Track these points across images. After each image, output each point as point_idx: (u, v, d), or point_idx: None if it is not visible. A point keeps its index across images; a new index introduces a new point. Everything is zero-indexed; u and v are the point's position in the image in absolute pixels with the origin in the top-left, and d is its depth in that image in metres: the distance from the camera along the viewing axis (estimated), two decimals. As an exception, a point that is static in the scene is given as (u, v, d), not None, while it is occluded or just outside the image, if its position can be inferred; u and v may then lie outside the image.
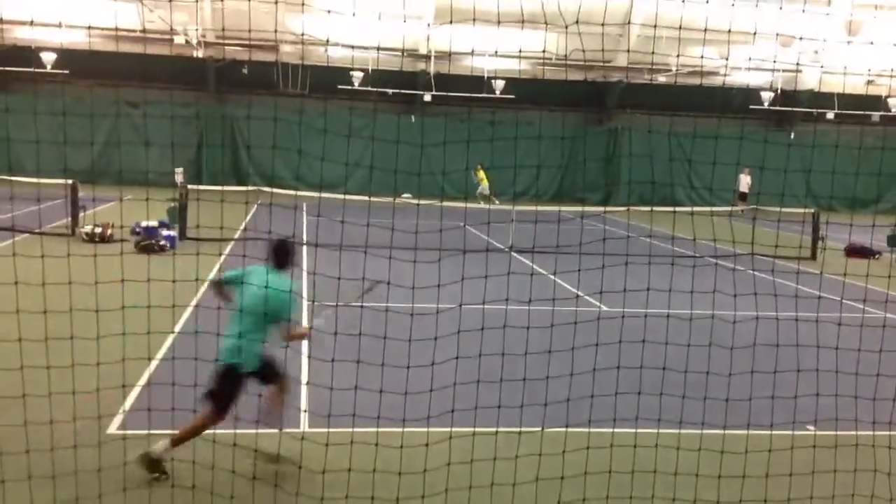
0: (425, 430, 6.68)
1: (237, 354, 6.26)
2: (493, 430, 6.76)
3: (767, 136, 36.67)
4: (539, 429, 6.85)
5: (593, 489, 6.15)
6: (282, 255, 6.59)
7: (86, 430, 6.39)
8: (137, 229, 18.07)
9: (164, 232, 18.10)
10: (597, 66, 34.34)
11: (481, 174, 33.13)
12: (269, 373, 6.52)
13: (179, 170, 28.42)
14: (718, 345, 7.10)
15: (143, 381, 8.29)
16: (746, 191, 32.34)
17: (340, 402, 6.87)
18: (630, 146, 36.57)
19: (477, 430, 6.77)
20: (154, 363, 8.90)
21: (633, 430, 6.62)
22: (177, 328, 10.14)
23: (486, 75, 34.26)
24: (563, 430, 6.84)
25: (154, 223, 18.08)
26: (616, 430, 6.75)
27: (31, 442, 5.80)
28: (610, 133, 38.62)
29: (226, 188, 24.13)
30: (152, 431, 6.40)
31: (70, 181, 19.55)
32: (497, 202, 30.18)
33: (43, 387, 5.92)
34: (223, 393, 6.25)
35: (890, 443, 6.72)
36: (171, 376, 6.24)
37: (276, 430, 6.41)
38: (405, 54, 34.51)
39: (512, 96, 33.92)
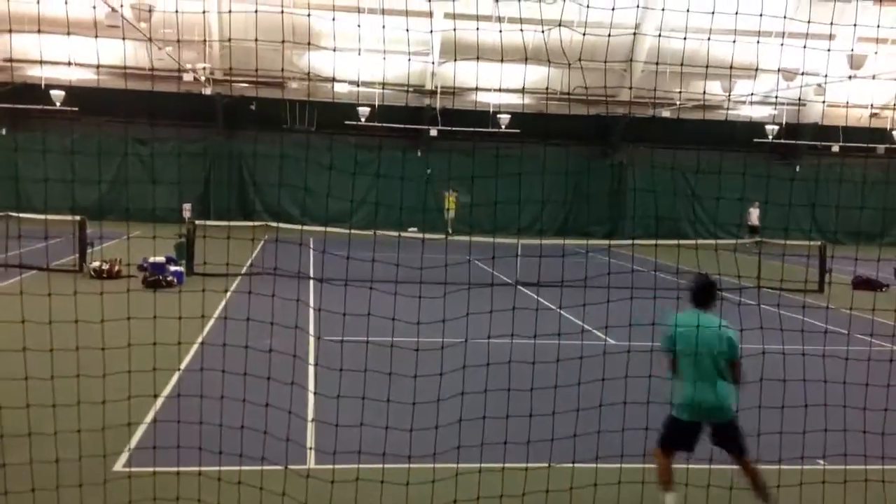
0: (431, 466, 6.65)
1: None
2: (500, 465, 6.72)
3: (772, 169, 36.85)
4: (546, 465, 6.81)
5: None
6: (707, 294, 6.48)
7: (91, 468, 6.37)
8: (145, 265, 18.13)
9: (172, 268, 18.15)
10: (601, 100, 34.55)
11: (451, 199, 33.39)
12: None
13: (187, 206, 28.64)
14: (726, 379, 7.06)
15: (149, 418, 8.28)
16: (757, 223, 32.39)
17: (346, 438, 6.85)
18: (635, 180, 36.69)
19: (483, 466, 6.74)
20: (160, 400, 8.91)
21: (642, 466, 6.58)
22: (183, 365, 10.14)
23: (491, 110, 34.49)
24: (571, 465, 6.81)
25: (161, 259, 18.14)
26: (624, 465, 6.72)
27: (36, 480, 5.79)
28: (615, 167, 38.76)
29: (233, 224, 24.25)
30: (157, 469, 6.38)
31: (78, 218, 19.66)
32: (450, 232, 30.45)
33: (49, 425, 5.92)
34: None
35: (900, 477, 6.67)
36: (178, 414, 6.24)
37: (280, 468, 6.39)
38: (411, 90, 34.80)
39: (517, 131, 34.14)
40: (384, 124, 33.84)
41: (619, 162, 38.74)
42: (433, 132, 35.54)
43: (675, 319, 6.34)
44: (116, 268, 18.06)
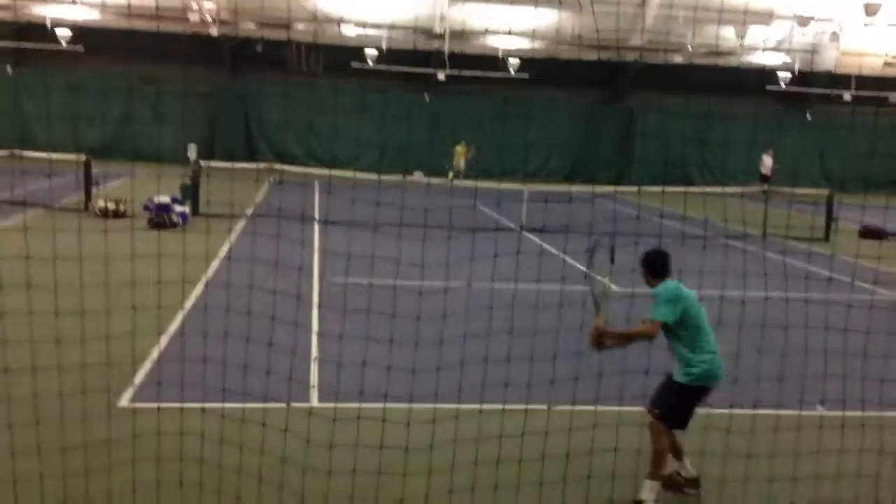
0: (433, 406, 6.72)
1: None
2: (500, 407, 6.78)
3: (784, 117, 36.49)
4: (546, 406, 6.87)
5: (600, 466, 6.17)
6: (667, 264, 6.23)
7: (96, 402, 6.45)
8: (150, 205, 18.14)
9: (177, 208, 18.16)
10: (612, 45, 34.10)
11: (459, 149, 33.22)
12: None
13: (192, 146, 28.53)
14: (728, 325, 7.09)
15: (154, 355, 8.36)
16: (769, 173, 32.13)
17: (348, 378, 6.91)
18: (645, 126, 36.39)
19: (484, 407, 6.81)
20: (165, 338, 8.99)
21: (641, 408, 6.64)
22: (188, 304, 10.20)
23: (500, 54, 34.10)
24: (570, 408, 6.86)
25: (167, 199, 18.14)
26: (623, 408, 6.77)
27: (40, 413, 5.86)
28: (624, 113, 38.39)
29: (238, 165, 24.19)
30: (161, 405, 6.46)
31: (83, 157, 19.64)
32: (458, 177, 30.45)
33: (53, 359, 5.97)
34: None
35: (898, 424, 6.72)
36: (182, 351, 6.29)
37: (283, 405, 6.45)
38: (419, 33, 34.38)
39: (526, 76, 33.77)
40: (392, 67, 33.51)
41: (629, 108, 38.37)
42: (441, 76, 35.18)
43: (681, 290, 6.04)
44: (122, 207, 18.08)
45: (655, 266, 6.18)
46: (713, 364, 5.95)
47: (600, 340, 6.13)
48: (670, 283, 6.07)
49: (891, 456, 6.38)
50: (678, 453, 6.21)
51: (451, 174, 31.21)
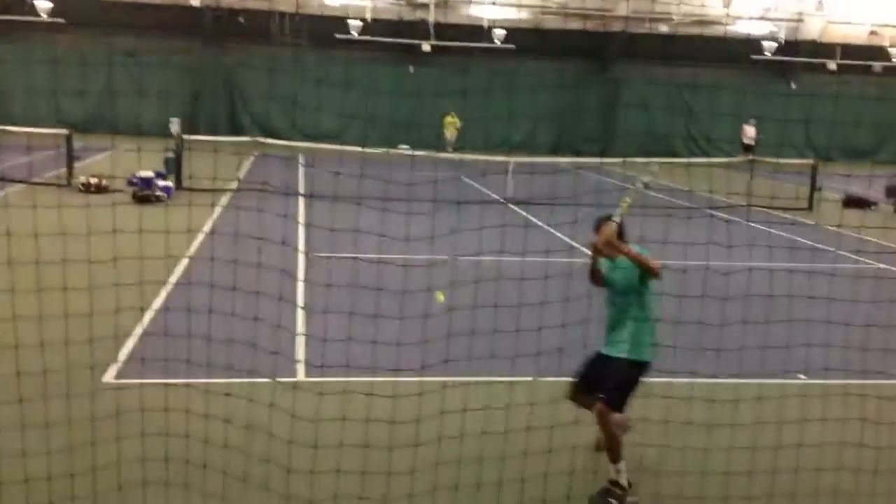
0: (419, 379, 6.73)
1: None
2: (487, 379, 6.80)
3: (769, 86, 36.49)
4: (531, 378, 6.89)
5: (585, 437, 6.21)
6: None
7: (79, 379, 6.42)
8: (134, 180, 18.01)
9: (161, 182, 18.04)
10: (597, 14, 33.95)
11: (449, 120, 33.25)
12: None
13: (175, 120, 28.30)
14: (711, 295, 7.12)
15: (137, 331, 8.33)
16: (752, 143, 32.16)
17: (334, 352, 6.90)
18: (631, 97, 36.33)
19: (470, 379, 6.83)
20: (149, 313, 8.95)
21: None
22: (172, 279, 10.16)
23: (486, 24, 33.88)
24: (556, 379, 6.89)
25: (150, 174, 18.02)
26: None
27: (23, 390, 5.84)
28: (610, 84, 38.28)
29: (222, 139, 24.02)
30: (145, 381, 6.44)
31: (64, 131, 19.45)
32: (450, 149, 30.46)
33: (35, 336, 5.93)
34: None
35: (879, 392, 6.77)
36: (165, 327, 6.26)
37: (269, 380, 6.45)
38: (403, 3, 34.12)
39: (512, 46, 33.57)
40: (376, 38, 33.26)
41: (614, 79, 38.25)
42: (426, 47, 34.94)
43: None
44: (105, 182, 17.94)
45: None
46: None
47: (606, 249, 5.67)
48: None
49: (872, 424, 6.44)
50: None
51: (448, 146, 31.36)
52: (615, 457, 5.71)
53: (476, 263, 7.01)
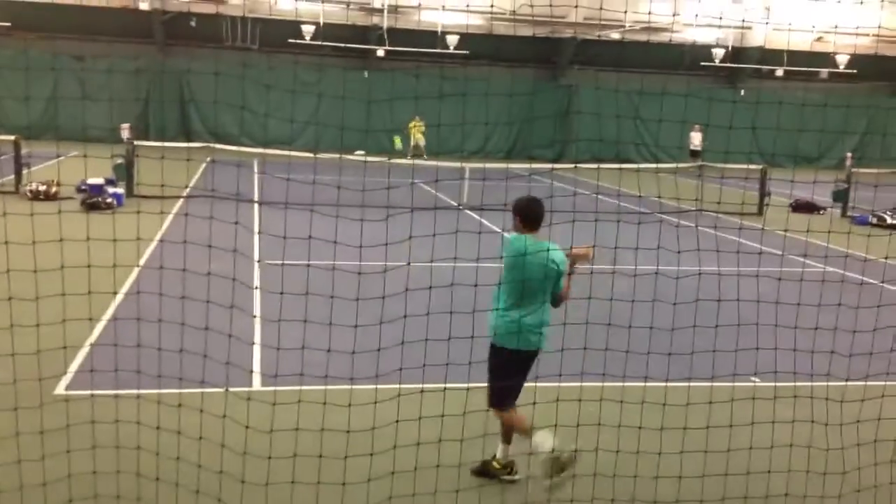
0: (374, 387, 6.71)
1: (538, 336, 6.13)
2: (441, 386, 6.80)
3: (717, 93, 37.07)
4: (487, 385, 6.91)
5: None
6: (534, 216, 6.23)
7: (28, 391, 6.30)
8: (83, 186, 17.74)
9: (111, 189, 17.80)
10: (549, 21, 34.23)
11: (413, 125, 33.18)
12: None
13: (126, 125, 27.92)
14: (661, 300, 7.21)
15: (87, 342, 8.20)
16: (699, 148, 32.65)
17: (289, 361, 6.86)
18: (583, 103, 36.66)
19: (425, 386, 6.82)
20: (100, 324, 8.82)
21: (579, 385, 6.72)
22: (123, 288, 10.02)
23: (439, 30, 33.97)
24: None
25: (100, 180, 17.76)
26: (561, 384, 6.84)
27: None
28: (564, 90, 38.61)
29: (173, 144, 23.74)
30: (95, 392, 6.34)
31: (12, 137, 19.08)
32: (420, 156, 30.37)
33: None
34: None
35: (827, 394, 6.91)
36: (116, 337, 6.17)
37: (221, 390, 6.39)
38: (356, 8, 34.05)
39: (466, 52, 33.69)
40: (329, 43, 33.15)
41: (567, 85, 38.59)
42: (380, 52, 34.93)
43: (509, 238, 6.20)
44: (54, 189, 17.64)
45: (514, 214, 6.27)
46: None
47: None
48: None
49: (820, 426, 6.57)
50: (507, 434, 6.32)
51: (408, 152, 31.15)
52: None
53: (430, 269, 7.02)
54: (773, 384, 6.96)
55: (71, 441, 5.67)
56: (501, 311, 6.19)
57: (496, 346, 6.23)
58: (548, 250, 6.09)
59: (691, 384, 6.93)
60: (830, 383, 7.13)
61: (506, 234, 5.96)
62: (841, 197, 22.09)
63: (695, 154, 32.22)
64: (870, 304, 6.31)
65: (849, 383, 7.44)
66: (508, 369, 6.24)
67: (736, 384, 7.18)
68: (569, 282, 6.34)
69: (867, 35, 36.22)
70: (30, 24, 30.58)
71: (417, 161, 24.00)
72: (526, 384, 6.56)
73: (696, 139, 33.16)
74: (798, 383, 7.00)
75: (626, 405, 6.59)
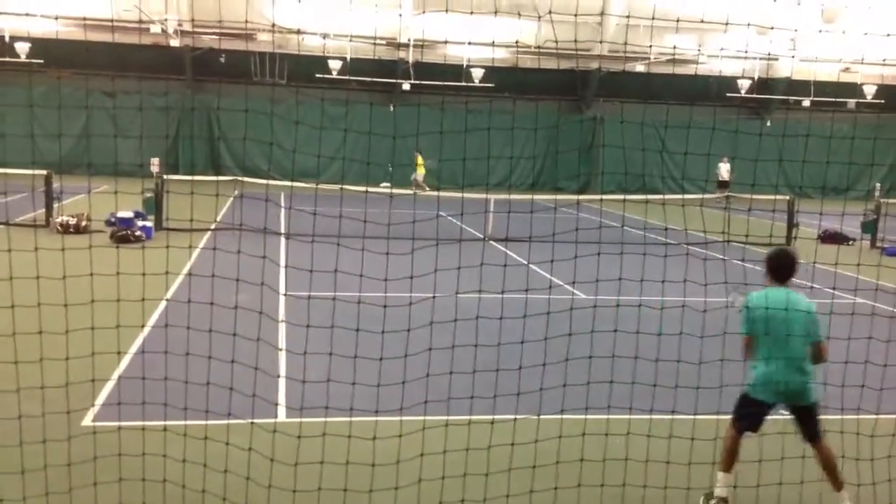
0: (399, 419, 6.70)
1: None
2: (467, 419, 6.78)
3: (744, 124, 36.97)
4: (512, 417, 6.87)
5: (565, 478, 6.19)
6: (787, 269, 6.22)
7: (56, 424, 6.35)
8: (113, 220, 17.95)
9: (140, 222, 18.00)
10: (574, 54, 34.36)
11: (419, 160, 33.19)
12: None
13: (155, 160, 28.31)
14: (689, 333, 7.15)
15: (115, 375, 8.26)
16: (727, 179, 32.50)
17: (314, 394, 6.87)
18: (608, 135, 36.67)
19: (450, 419, 6.80)
20: (128, 357, 8.88)
21: (605, 418, 6.67)
22: (151, 321, 10.09)
23: (465, 64, 34.20)
24: (536, 418, 6.88)
25: (130, 214, 17.97)
26: (588, 417, 6.80)
27: (0, 436, 5.77)
28: (589, 122, 38.68)
29: (202, 178, 24.01)
30: (122, 424, 6.37)
31: (42, 172, 19.38)
32: (426, 189, 30.27)
33: (11, 382, 5.86)
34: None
35: (858, 428, 6.80)
36: (144, 370, 6.21)
37: (247, 422, 6.40)
38: (383, 43, 34.40)
39: (491, 85, 33.88)
40: (356, 78, 33.46)
41: (592, 117, 38.67)
42: (406, 86, 35.20)
43: (756, 299, 6.13)
44: (84, 223, 17.86)
45: (765, 266, 6.29)
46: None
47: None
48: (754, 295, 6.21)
49: (851, 461, 6.46)
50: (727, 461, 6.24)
51: (421, 185, 31.22)
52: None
53: (455, 301, 7.03)
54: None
55: (98, 473, 5.70)
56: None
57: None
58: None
59: (720, 417, 6.84)
60: (861, 417, 7.01)
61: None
62: (870, 228, 21.85)
63: (723, 185, 32.06)
64: (810, 307, 6.24)
65: (880, 417, 7.32)
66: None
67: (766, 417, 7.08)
68: None
69: (894, 65, 36.07)
70: (62, 60, 31.11)
71: (430, 193, 24.05)
72: (550, 417, 6.55)
73: (723, 170, 33.02)
74: (829, 416, 6.90)
75: (654, 439, 6.52)
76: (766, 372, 6.04)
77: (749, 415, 6.18)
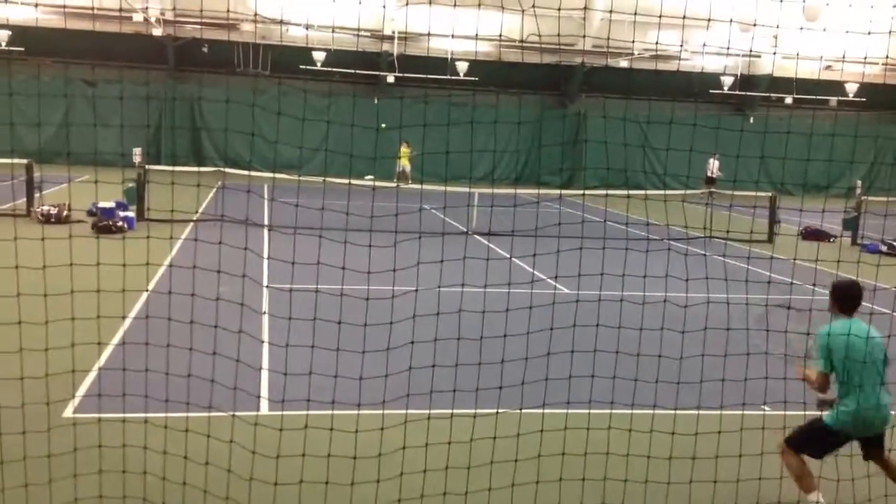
0: (381, 412, 6.70)
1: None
2: (448, 412, 6.78)
3: (726, 120, 37.14)
4: (494, 411, 6.89)
5: (547, 471, 6.21)
6: (854, 299, 6.16)
7: (36, 415, 6.31)
8: (94, 210, 17.84)
9: (122, 213, 17.89)
10: (558, 49, 34.40)
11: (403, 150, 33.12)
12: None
13: (138, 150, 28.10)
14: (670, 328, 7.19)
15: (95, 366, 8.21)
16: (715, 175, 32.63)
17: (296, 386, 6.86)
18: (592, 130, 36.73)
19: (432, 412, 6.80)
20: (109, 348, 8.83)
21: (587, 412, 6.70)
22: (133, 312, 10.03)
23: (449, 57, 34.15)
24: (518, 412, 6.89)
25: (111, 204, 17.86)
26: (570, 411, 6.82)
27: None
28: (573, 117, 38.73)
29: (184, 169, 23.88)
30: (103, 416, 6.34)
31: (22, 161, 19.22)
32: (409, 182, 30.25)
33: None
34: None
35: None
36: (125, 361, 6.18)
37: (229, 415, 6.38)
38: (367, 35, 34.29)
39: (475, 79, 33.84)
40: (340, 70, 33.36)
41: (576, 112, 38.72)
42: (390, 79, 35.13)
43: (835, 332, 6.01)
44: (65, 212, 17.74)
45: (832, 297, 6.22)
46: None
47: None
48: (829, 327, 6.07)
49: (830, 456, 6.51)
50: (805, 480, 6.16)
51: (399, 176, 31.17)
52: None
53: (437, 294, 7.03)
54: (783, 413, 6.91)
55: (78, 465, 5.67)
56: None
57: None
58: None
59: (700, 412, 6.89)
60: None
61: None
62: (851, 225, 22.04)
63: (710, 181, 32.18)
64: (881, 333, 6.28)
65: (859, 413, 7.37)
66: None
67: (745, 412, 7.13)
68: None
69: (876, 63, 36.34)
70: (43, 49, 30.86)
71: (403, 186, 24.06)
72: (532, 411, 6.56)
73: (713, 166, 33.16)
74: (808, 412, 6.95)
75: (635, 433, 6.56)
76: (857, 407, 5.92)
77: (822, 445, 6.12)
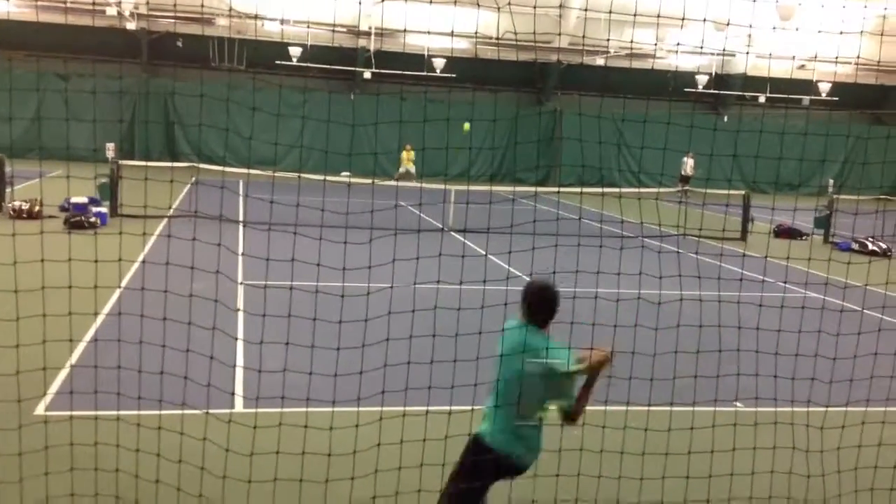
0: (356, 410, 6.69)
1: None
2: (424, 409, 6.79)
3: (700, 119, 37.39)
4: (469, 408, 6.89)
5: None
6: (544, 308, 5.17)
7: (7, 412, 6.24)
8: (67, 205, 17.68)
9: (95, 208, 17.74)
10: (534, 46, 34.46)
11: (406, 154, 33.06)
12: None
13: (111, 145, 27.87)
14: (643, 325, 7.23)
15: (67, 363, 8.14)
16: (690, 174, 32.86)
17: (270, 384, 6.83)
18: (568, 128, 36.86)
19: (407, 409, 6.80)
20: (82, 345, 8.75)
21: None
22: (106, 309, 9.96)
23: (426, 53, 34.13)
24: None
25: (84, 199, 17.70)
26: (546, 409, 6.84)
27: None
28: (548, 114, 38.83)
29: (158, 164, 23.71)
30: (75, 413, 6.28)
31: (-4, 156, 19.02)
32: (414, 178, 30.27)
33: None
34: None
35: (808, 420, 6.93)
36: (97, 358, 6.13)
37: (202, 412, 6.35)
38: (344, 31, 34.19)
39: (453, 75, 33.87)
40: (316, 65, 33.23)
41: (552, 109, 38.83)
42: (367, 75, 35.05)
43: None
44: (37, 208, 17.56)
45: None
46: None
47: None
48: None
49: (801, 452, 6.59)
50: None
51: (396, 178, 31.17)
52: None
53: (413, 290, 7.03)
54: (754, 409, 6.99)
55: (49, 463, 5.62)
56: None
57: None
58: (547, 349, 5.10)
59: (673, 409, 6.94)
60: (811, 409, 7.15)
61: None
62: (823, 223, 22.27)
63: (685, 179, 32.42)
64: (850, 330, 6.35)
65: (829, 409, 7.47)
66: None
67: (717, 409, 7.19)
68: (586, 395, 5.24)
69: (848, 63, 36.71)
70: (14, 42, 30.50)
71: (388, 183, 24.04)
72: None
73: (688, 165, 33.38)
74: (779, 409, 7.04)
75: (608, 430, 6.59)
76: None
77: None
